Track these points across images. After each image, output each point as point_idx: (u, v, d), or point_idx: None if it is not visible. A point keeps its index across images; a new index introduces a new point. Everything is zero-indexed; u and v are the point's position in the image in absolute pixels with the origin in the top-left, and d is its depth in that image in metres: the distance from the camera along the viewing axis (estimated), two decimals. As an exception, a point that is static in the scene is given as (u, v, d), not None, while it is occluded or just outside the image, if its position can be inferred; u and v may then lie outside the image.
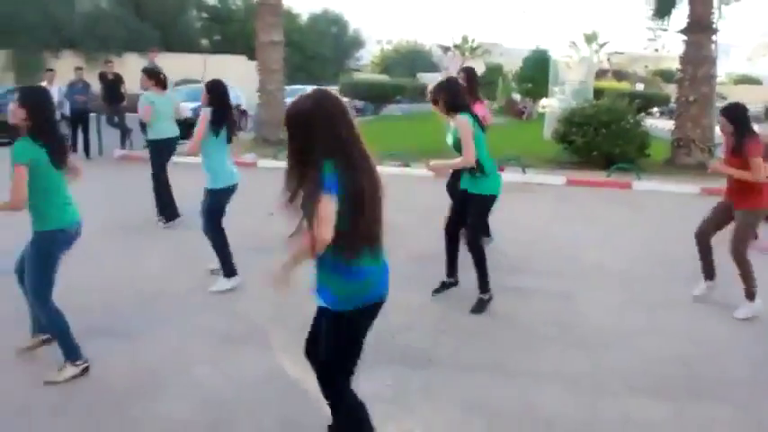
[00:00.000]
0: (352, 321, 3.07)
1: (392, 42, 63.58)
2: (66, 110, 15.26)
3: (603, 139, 14.27)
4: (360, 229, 2.94)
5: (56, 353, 4.47)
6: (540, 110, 30.85)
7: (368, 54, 62.05)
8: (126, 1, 40.39)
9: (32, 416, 3.98)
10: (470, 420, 3.99)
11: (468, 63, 39.42)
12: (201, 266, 6.78)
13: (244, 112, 22.58)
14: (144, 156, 11.19)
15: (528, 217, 9.73)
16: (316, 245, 2.84)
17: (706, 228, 6.18)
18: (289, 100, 20.18)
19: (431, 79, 45.53)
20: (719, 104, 16.04)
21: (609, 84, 37.53)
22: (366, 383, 3.68)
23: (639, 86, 43.18)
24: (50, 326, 4.48)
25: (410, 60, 56.38)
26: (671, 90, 31.73)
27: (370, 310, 3.10)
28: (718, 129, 6.80)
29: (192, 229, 8.08)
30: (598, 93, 21.64)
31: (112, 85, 15.92)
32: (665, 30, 23.01)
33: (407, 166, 14.18)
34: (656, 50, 50.80)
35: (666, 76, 48.31)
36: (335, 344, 3.14)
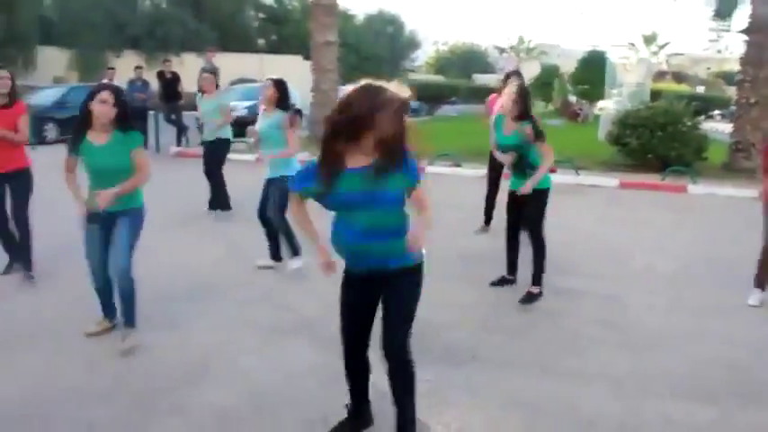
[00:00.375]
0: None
1: (448, 43, 63.54)
2: (127, 107, 15.66)
3: (659, 141, 14.02)
4: None
5: (107, 339, 4.66)
6: (597, 112, 30.48)
7: (423, 55, 62.01)
8: (185, 2, 41.25)
9: (81, 401, 4.14)
10: (510, 417, 4.02)
11: (524, 64, 39.09)
12: (252, 260, 6.99)
13: (298, 112, 22.84)
14: (198, 152, 11.57)
15: (579, 219, 9.65)
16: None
17: None
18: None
19: (486, 80, 45.40)
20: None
21: (667, 86, 36.84)
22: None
23: (700, 89, 42.36)
24: (131, 293, 4.87)
25: (465, 61, 56.24)
26: (733, 92, 31.00)
27: None
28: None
29: (244, 224, 8.31)
30: (656, 95, 21.32)
31: (170, 84, 16.32)
32: (728, 30, 22.51)
33: (458, 165, 14.21)
34: (719, 52, 49.71)
35: (729, 78, 47.15)
36: (418, 297, 3.43)
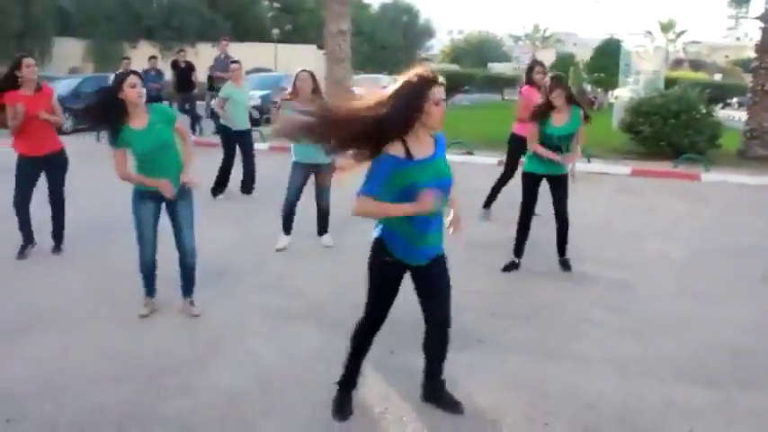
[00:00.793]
0: None
1: (463, 32, 63.39)
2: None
3: (672, 129, 13.98)
4: None
5: (117, 322, 4.75)
6: (612, 100, 30.32)
7: (439, 44, 61.93)
8: (200, -8, 41.42)
9: (93, 382, 4.25)
10: (512, 398, 4.08)
11: (540, 53, 38.83)
12: (266, 245, 7.15)
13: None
14: (212, 140, 11.72)
15: (590, 206, 9.65)
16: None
17: None
18: (356, 89, 20.41)
19: (502, 69, 45.27)
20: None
21: (684, 73, 36.54)
22: (417, 360, 3.98)
23: (717, 77, 41.93)
24: (195, 264, 5.37)
25: (480, 50, 56.06)
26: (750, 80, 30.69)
27: None
28: None
29: (257, 210, 8.42)
30: (671, 83, 21.17)
31: (184, 73, 16.45)
32: (746, 17, 22.29)
33: (471, 153, 14.25)
34: (738, 39, 49.19)
35: (747, 65, 46.65)
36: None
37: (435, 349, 3.85)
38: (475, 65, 48.59)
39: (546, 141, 6.32)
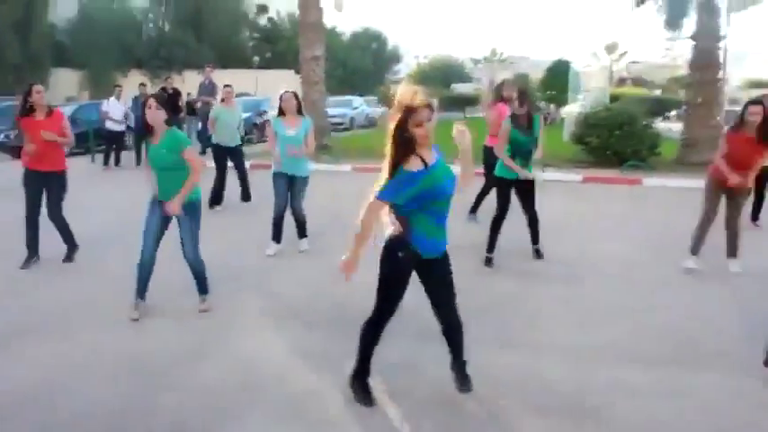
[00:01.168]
0: None
1: (428, 57, 63.56)
2: (132, 122, 15.68)
3: (617, 140, 14.21)
4: None
5: (111, 327, 4.71)
6: (563, 115, 30.62)
7: (406, 67, 62.04)
8: (186, 25, 41.25)
9: (87, 382, 4.21)
10: (476, 385, 4.08)
11: (497, 74, 39.00)
12: (256, 251, 7.24)
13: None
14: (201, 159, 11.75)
15: (545, 210, 9.65)
16: None
17: None
18: (331, 110, 20.43)
19: (464, 89, 45.43)
20: (729, 108, 15.92)
21: (627, 90, 37.02)
22: (392, 352, 4.12)
23: (657, 92, 42.50)
24: (203, 271, 5.50)
25: (444, 73, 56.23)
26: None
27: None
28: (725, 129, 6.89)
29: (243, 220, 8.39)
30: (616, 99, 21.44)
31: (171, 99, 16.33)
32: (680, 38, 22.67)
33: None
34: (674, 59, 49.87)
35: (683, 82, 47.45)
36: None
37: (452, 343, 3.94)
38: (439, 86, 48.74)
39: (523, 147, 6.65)
